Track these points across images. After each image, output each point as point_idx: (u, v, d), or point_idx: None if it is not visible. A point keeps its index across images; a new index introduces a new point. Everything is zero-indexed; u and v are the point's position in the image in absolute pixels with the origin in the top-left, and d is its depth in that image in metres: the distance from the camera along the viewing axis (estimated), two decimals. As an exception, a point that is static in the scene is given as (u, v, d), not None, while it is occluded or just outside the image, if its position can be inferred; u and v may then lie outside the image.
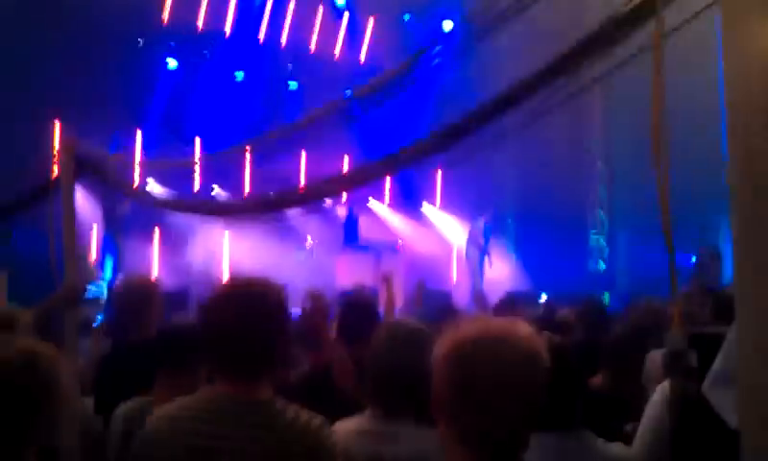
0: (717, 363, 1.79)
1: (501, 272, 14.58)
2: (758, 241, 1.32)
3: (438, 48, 2.21)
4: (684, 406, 1.36)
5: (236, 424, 2.21)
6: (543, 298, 10.91)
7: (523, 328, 1.73)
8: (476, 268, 13.99)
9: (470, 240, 14.30)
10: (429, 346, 1.84)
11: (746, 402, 1.24)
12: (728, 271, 11.89)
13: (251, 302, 2.31)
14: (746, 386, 1.25)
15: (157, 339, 3.29)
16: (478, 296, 13.18)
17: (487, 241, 14.48)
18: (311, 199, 2.85)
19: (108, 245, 11.58)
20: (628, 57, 1.89)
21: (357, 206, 14.86)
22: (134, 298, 4.19)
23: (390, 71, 2.20)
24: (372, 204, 15.86)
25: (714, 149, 14.91)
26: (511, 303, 7.00)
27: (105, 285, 10.62)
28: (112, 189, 2.99)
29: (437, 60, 2.12)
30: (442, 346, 1.72)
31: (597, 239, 16.75)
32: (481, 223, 14.08)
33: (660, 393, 2.37)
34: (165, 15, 14.03)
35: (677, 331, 1.40)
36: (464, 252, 14.66)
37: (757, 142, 1.29)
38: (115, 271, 11.41)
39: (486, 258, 14.34)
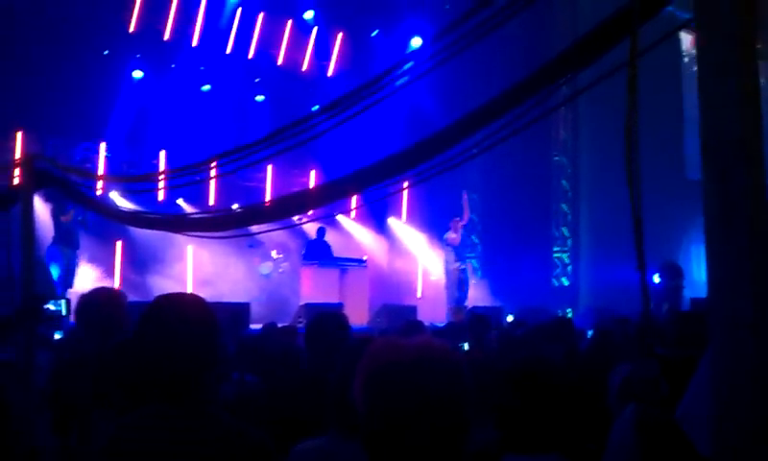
0: (692, 389, 1.78)
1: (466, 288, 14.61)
2: (732, 271, 1.30)
3: (407, 66, 2.19)
4: (654, 432, 1.35)
5: (172, 440, 2.18)
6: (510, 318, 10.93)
7: (441, 346, 1.71)
8: (455, 280, 13.91)
9: (446, 252, 14.24)
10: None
11: (719, 430, 1.23)
12: (688, 289, 12.11)
13: (178, 320, 2.27)
14: (719, 415, 1.23)
15: (115, 354, 3.21)
16: (456, 309, 13.20)
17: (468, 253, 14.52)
18: (279, 216, 2.81)
19: (55, 256, 11.31)
20: (596, 79, 1.88)
21: (323, 220, 14.85)
22: (99, 310, 4.10)
23: (358, 88, 2.17)
24: (339, 217, 15.83)
25: (677, 168, 15.22)
26: (478, 320, 7.02)
27: (64, 302, 10.40)
28: (75, 203, 2.92)
29: (404, 79, 2.10)
30: (365, 370, 1.68)
31: (560, 256, 16.89)
32: (455, 236, 14.04)
33: (626, 417, 2.36)
34: (132, 25, 13.90)
35: (648, 357, 1.38)
36: (442, 264, 14.58)
37: (734, 166, 1.28)
38: (61, 283, 11.14)
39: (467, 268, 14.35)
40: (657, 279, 11.48)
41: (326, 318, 4.10)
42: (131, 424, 2.29)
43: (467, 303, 13.61)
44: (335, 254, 14.28)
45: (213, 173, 4.17)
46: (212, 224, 3.23)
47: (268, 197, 14.94)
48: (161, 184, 4.78)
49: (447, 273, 14.07)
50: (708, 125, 1.24)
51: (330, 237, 14.78)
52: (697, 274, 13.13)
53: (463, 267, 14.12)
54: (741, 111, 1.20)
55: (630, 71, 1.29)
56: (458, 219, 14.15)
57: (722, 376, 1.22)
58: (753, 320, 1.19)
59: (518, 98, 1.95)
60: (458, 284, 13.82)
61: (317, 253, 13.89)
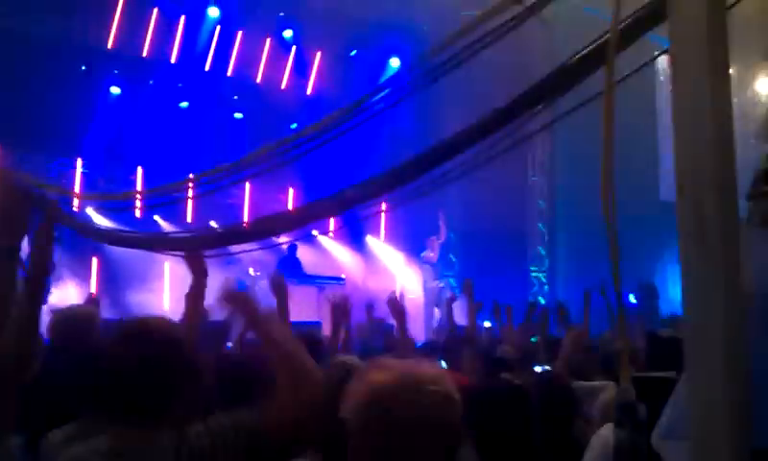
0: (667, 413, 1.80)
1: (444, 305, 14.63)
2: (706, 290, 1.33)
3: (386, 91, 2.21)
4: (631, 458, 1.37)
5: None
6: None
7: (436, 371, 1.72)
8: (433, 299, 13.94)
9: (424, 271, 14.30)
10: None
11: (697, 455, 1.25)
12: (663, 307, 12.22)
13: (145, 346, 2.24)
14: (697, 439, 1.26)
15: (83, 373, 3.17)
16: (437, 329, 13.22)
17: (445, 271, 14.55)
18: (259, 236, 2.81)
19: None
20: (575, 106, 1.91)
21: (300, 238, 14.81)
22: (73, 326, 4.08)
23: (338, 111, 2.19)
24: (316, 235, 15.82)
25: (651, 190, 15.40)
26: (456, 339, 7.03)
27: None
28: (52, 221, 2.88)
29: (381, 105, 2.12)
30: (359, 393, 1.69)
31: (538, 275, 17.00)
32: (432, 254, 14.12)
33: (600, 442, 2.39)
34: (110, 41, 13.87)
35: (625, 381, 1.41)
36: (420, 282, 14.61)
37: (707, 195, 1.31)
38: None
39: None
40: (632, 299, 11.59)
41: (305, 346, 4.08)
42: (93, 451, 2.24)
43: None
44: (313, 272, 14.24)
45: (191, 193, 4.16)
46: (192, 243, 3.23)
47: (246, 214, 14.91)
48: (138, 203, 4.75)
49: (426, 291, 14.13)
50: (683, 158, 1.27)
51: (308, 255, 14.75)
52: (673, 292, 13.27)
53: (441, 285, 14.18)
54: (716, 147, 1.23)
55: (606, 103, 1.32)
56: (435, 237, 14.23)
57: (697, 399, 1.25)
58: (725, 341, 1.22)
59: (497, 124, 1.97)
60: (436, 303, 13.87)
61: (288, 270, 13.85)
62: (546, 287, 16.85)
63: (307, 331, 4.32)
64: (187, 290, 3.40)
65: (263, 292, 14.64)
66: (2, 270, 2.66)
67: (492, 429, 2.57)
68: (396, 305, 4.71)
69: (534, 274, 17.04)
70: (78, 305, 5.44)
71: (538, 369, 5.51)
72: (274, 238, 3.31)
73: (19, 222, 2.70)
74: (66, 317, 4.24)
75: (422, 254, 14.17)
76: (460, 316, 14.83)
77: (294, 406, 2.20)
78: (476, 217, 16.32)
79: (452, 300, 7.82)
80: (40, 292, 2.68)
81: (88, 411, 3.08)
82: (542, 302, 16.49)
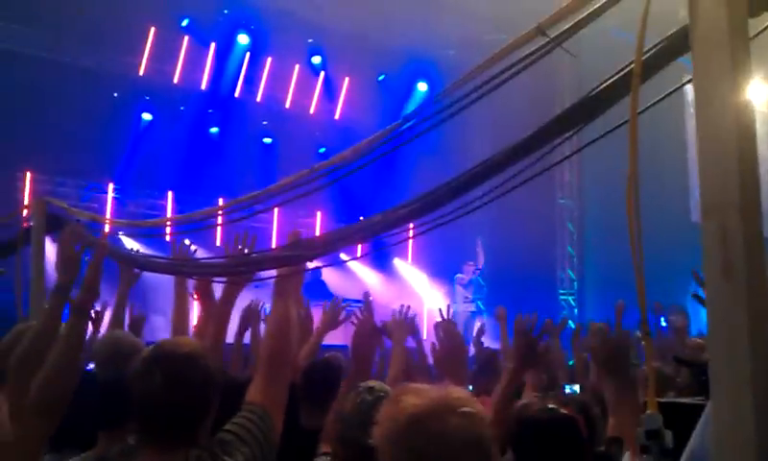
0: (694, 440, 1.79)
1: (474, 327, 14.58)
2: (731, 318, 1.34)
3: (414, 120, 2.25)
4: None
5: None
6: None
7: (468, 399, 1.72)
8: (463, 322, 13.95)
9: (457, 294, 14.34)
10: None
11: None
12: (694, 329, 12.04)
13: (174, 370, 2.28)
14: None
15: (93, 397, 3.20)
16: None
17: (475, 294, 14.52)
18: (289, 262, 2.85)
19: None
20: (601, 134, 1.93)
21: (331, 264, 14.84)
22: (111, 356, 4.11)
23: (369, 140, 2.23)
24: (343, 257, 15.85)
25: (682, 211, 15.25)
26: (491, 362, 6.98)
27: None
28: (83, 247, 3.00)
29: (409, 134, 2.16)
30: (387, 426, 1.68)
31: (567, 298, 16.87)
32: (465, 277, 14.16)
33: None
34: (141, 69, 14.10)
35: (653, 408, 1.41)
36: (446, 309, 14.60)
37: (731, 220, 1.32)
38: None
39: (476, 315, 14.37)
40: (663, 322, 11.42)
41: (320, 368, 4.10)
42: None
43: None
44: (342, 294, 14.24)
45: (220, 220, 4.23)
46: (225, 269, 3.28)
47: (274, 238, 14.99)
48: (168, 230, 4.85)
49: (456, 315, 14.11)
50: (708, 187, 1.29)
51: (335, 277, 14.78)
52: (704, 314, 13.04)
53: (472, 309, 14.18)
54: (740, 176, 1.24)
55: (630, 132, 1.33)
56: (471, 263, 14.26)
57: (722, 430, 1.25)
58: (752, 376, 1.22)
59: (525, 151, 2.00)
60: (465, 326, 13.86)
61: (314, 292, 13.90)
62: (576, 310, 16.70)
63: (324, 361, 4.29)
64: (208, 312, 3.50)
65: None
66: (56, 303, 2.93)
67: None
68: (406, 326, 4.62)
69: (563, 297, 16.91)
70: (123, 332, 5.48)
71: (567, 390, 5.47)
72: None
73: (75, 262, 3.00)
74: (110, 343, 4.29)
75: (456, 277, 14.22)
76: (488, 340, 14.75)
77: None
78: (505, 240, 16.24)
79: (482, 332, 7.76)
80: (86, 322, 2.86)
81: (110, 434, 3.12)
82: (572, 325, 16.35)
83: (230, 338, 5.11)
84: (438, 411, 1.64)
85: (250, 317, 5.72)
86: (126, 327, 5.36)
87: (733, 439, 1.23)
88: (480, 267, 14.34)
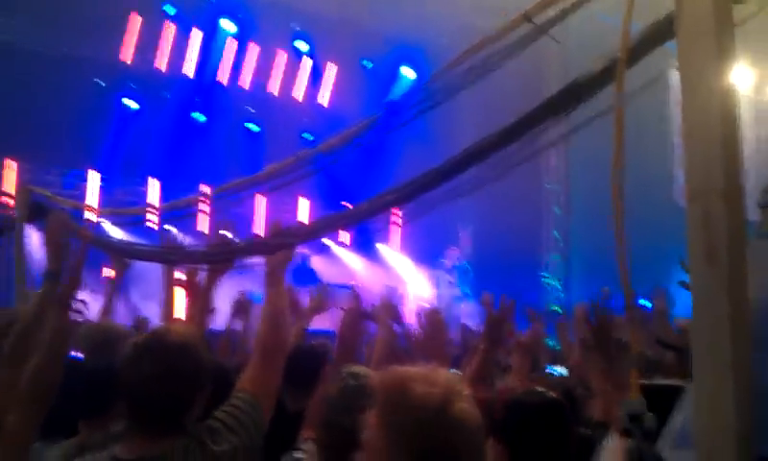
0: (675, 422, 1.81)
1: (459, 311, 14.67)
2: (713, 304, 1.35)
3: (401, 104, 2.25)
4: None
5: None
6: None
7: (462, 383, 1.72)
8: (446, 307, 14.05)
9: (440, 283, 14.42)
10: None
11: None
12: (679, 311, 12.11)
13: (166, 359, 2.27)
14: (704, 449, 1.27)
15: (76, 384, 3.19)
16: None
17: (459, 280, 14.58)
18: (274, 249, 2.85)
19: None
20: (587, 119, 1.94)
21: (311, 246, 14.84)
22: (97, 344, 4.10)
23: (355, 127, 2.23)
24: (327, 243, 15.84)
25: (666, 193, 15.32)
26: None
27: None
28: (85, 245, 3.01)
29: (395, 122, 2.16)
30: (400, 414, 1.66)
31: (552, 281, 16.95)
32: (448, 264, 14.24)
33: (611, 453, 2.38)
34: (126, 56, 13.99)
35: (636, 391, 1.42)
36: (431, 295, 14.73)
37: (714, 206, 1.33)
38: None
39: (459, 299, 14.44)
40: (646, 303, 11.47)
41: (304, 352, 4.11)
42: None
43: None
44: (325, 279, 14.27)
45: (206, 208, 4.22)
46: (209, 257, 3.27)
47: (259, 225, 14.96)
48: (154, 218, 4.84)
49: (440, 299, 14.19)
50: (693, 173, 1.29)
51: (319, 262, 14.78)
52: (687, 297, 13.10)
53: (456, 294, 14.24)
54: (724, 162, 1.25)
55: (616, 118, 1.34)
56: (455, 248, 14.31)
57: (703, 413, 1.26)
58: (731, 353, 1.24)
59: (511, 137, 2.01)
60: (448, 311, 13.95)
61: (303, 279, 13.91)
62: (561, 294, 16.77)
63: (309, 346, 4.29)
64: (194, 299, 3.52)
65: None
66: (48, 290, 2.99)
67: (529, 444, 2.55)
68: (391, 309, 4.59)
69: (549, 281, 16.98)
70: (112, 323, 5.47)
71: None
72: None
73: (64, 249, 3.04)
74: (99, 331, 4.28)
75: (440, 262, 14.28)
76: (473, 323, 14.82)
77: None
78: (491, 225, 16.28)
79: (466, 328, 7.85)
80: (70, 308, 2.87)
81: (91, 423, 3.12)
82: (558, 309, 16.44)
83: (219, 326, 5.11)
84: (452, 398, 1.64)
85: (240, 306, 5.73)
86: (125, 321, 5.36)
87: (714, 421, 1.25)
88: (464, 253, 14.39)
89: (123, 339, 4.24)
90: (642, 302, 11.37)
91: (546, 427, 2.53)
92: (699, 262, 1.36)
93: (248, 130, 15.55)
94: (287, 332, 2.86)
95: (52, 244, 3.03)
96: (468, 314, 15.03)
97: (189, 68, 14.73)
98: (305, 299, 5.10)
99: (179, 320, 4.25)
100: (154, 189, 13.99)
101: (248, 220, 14.81)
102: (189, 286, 3.86)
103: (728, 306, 1.27)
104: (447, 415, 1.59)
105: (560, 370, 5.77)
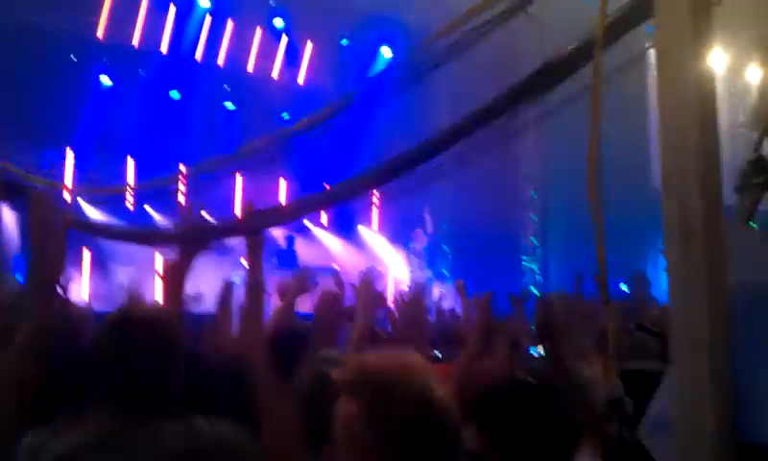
0: (654, 407, 1.81)
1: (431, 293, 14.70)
2: (690, 286, 1.35)
3: (377, 83, 2.22)
4: (621, 455, 1.37)
5: (132, 456, 2.18)
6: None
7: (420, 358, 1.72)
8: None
9: (410, 261, 14.49)
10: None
11: (681, 449, 1.27)
12: (656, 295, 12.22)
13: (139, 334, 2.26)
14: (683, 434, 1.27)
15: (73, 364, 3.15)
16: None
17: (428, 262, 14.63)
18: (253, 230, 2.82)
19: (23, 265, 11.21)
20: (563, 100, 1.92)
21: (293, 228, 14.81)
22: (62, 324, 4.07)
23: (330, 106, 2.20)
24: (308, 225, 15.80)
25: (643, 177, 15.43)
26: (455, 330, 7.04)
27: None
28: (66, 228, 2.94)
29: (371, 99, 2.13)
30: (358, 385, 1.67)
31: (530, 265, 17.03)
32: (419, 246, 14.30)
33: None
34: (100, 31, 13.78)
35: (613, 378, 1.42)
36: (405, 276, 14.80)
37: (690, 187, 1.32)
38: None
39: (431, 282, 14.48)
40: (624, 287, 11.57)
41: (286, 337, 4.09)
42: (86, 444, 2.25)
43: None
44: (306, 262, 14.25)
45: (183, 188, 4.18)
46: (186, 237, 3.24)
47: (238, 205, 14.89)
48: (129, 197, 4.78)
49: (411, 280, 14.28)
50: (668, 156, 1.29)
51: (299, 244, 14.76)
52: (665, 281, 13.20)
53: (429, 276, 14.31)
54: (701, 145, 1.24)
55: (593, 99, 1.33)
56: (421, 230, 14.37)
57: (683, 395, 1.26)
58: (710, 338, 1.24)
59: (487, 118, 1.99)
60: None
61: (286, 262, 13.88)
62: (539, 277, 16.87)
63: (289, 329, 4.26)
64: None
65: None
66: (36, 271, 2.80)
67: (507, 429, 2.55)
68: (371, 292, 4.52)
69: (526, 264, 17.07)
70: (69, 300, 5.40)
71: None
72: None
73: (47, 231, 2.91)
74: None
75: (409, 245, 14.35)
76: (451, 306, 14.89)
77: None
78: (468, 208, 16.31)
79: (441, 298, 7.91)
80: (54, 295, 2.79)
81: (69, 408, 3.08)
82: (535, 292, 16.53)
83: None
84: (431, 385, 1.64)
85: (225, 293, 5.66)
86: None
87: (692, 404, 1.25)
88: (429, 232, 14.47)
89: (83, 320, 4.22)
90: (622, 286, 11.48)
91: (522, 412, 2.53)
92: (675, 244, 1.35)
93: (224, 107, 15.43)
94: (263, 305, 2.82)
95: (36, 226, 2.92)
96: (444, 296, 15.12)
97: (164, 44, 14.56)
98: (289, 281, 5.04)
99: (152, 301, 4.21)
100: (129, 168, 13.88)
101: (225, 201, 14.75)
102: (164, 268, 3.80)
103: (705, 287, 1.27)
104: (429, 402, 1.60)
105: (538, 349, 5.82)
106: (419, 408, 1.59)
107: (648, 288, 11.41)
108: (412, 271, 14.28)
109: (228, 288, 5.69)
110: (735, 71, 14.49)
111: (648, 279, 11.75)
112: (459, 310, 7.19)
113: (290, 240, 14.36)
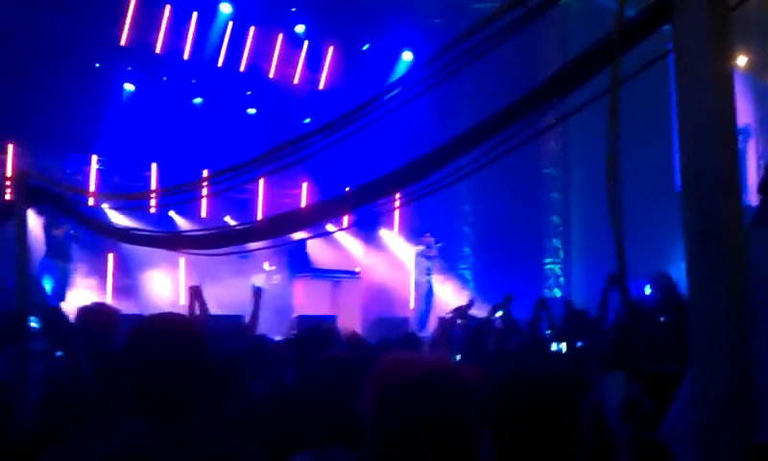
0: (675, 407, 1.81)
1: (459, 299, 14.68)
2: (709, 287, 1.35)
3: (399, 89, 2.24)
4: (641, 454, 1.37)
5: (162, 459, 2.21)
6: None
7: (451, 365, 1.73)
8: (422, 294, 14.22)
9: (418, 266, 14.53)
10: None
11: (702, 448, 1.27)
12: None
13: (165, 340, 2.30)
14: (702, 434, 1.28)
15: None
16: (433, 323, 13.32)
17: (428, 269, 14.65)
18: (274, 234, 2.85)
19: (48, 268, 11.33)
20: (586, 102, 1.93)
21: (317, 235, 14.83)
22: (92, 326, 4.13)
23: (353, 110, 2.22)
24: (330, 228, 15.83)
25: (667, 179, 15.30)
26: (473, 332, 7.03)
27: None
28: (68, 219, 2.98)
29: (394, 102, 2.15)
30: (373, 385, 1.69)
31: (553, 267, 16.96)
32: (421, 249, 14.37)
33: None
34: (123, 38, 13.93)
35: (632, 375, 1.42)
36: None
37: (709, 190, 1.33)
38: (55, 295, 11.13)
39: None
40: (648, 290, 11.47)
41: (316, 333, 4.14)
42: (118, 446, 2.29)
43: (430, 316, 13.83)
44: (326, 266, 14.30)
45: (205, 192, 4.22)
46: (207, 242, 3.28)
47: (260, 210, 14.96)
48: (153, 202, 4.83)
49: (417, 286, 14.38)
50: (687, 156, 1.29)
51: (322, 248, 14.79)
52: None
53: (427, 278, 14.39)
54: (719, 146, 1.25)
55: (611, 101, 1.34)
56: (428, 234, 14.44)
57: (701, 395, 1.27)
58: (728, 338, 1.24)
59: (510, 119, 2.00)
60: (425, 298, 14.17)
61: (299, 265, 13.92)
62: (562, 279, 16.80)
63: (323, 326, 4.34)
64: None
65: (278, 287, 14.71)
66: None
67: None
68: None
69: (549, 266, 17.01)
70: (98, 302, 5.48)
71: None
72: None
73: None
74: (88, 312, 4.30)
75: (420, 249, 14.38)
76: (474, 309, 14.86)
77: None
78: (491, 210, 16.29)
79: (470, 305, 7.91)
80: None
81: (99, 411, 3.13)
82: (558, 294, 16.46)
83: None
84: (427, 381, 1.65)
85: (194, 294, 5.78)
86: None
87: (711, 406, 1.25)
88: (437, 240, 14.54)
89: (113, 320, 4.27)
90: (646, 289, 11.37)
91: (528, 409, 2.52)
92: (694, 245, 1.36)
93: (245, 113, 15.52)
94: None
95: None
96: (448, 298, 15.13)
97: (187, 51, 14.68)
98: (301, 287, 5.13)
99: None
100: (153, 173, 14.02)
101: (248, 205, 14.83)
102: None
103: (724, 288, 1.27)
104: (435, 386, 1.62)
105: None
106: (446, 404, 1.60)
107: (674, 288, 11.30)
108: (417, 275, 14.41)
109: (257, 293, 5.85)
110: (761, 71, 14.35)
111: (672, 279, 11.65)
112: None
113: (302, 243, 14.38)
